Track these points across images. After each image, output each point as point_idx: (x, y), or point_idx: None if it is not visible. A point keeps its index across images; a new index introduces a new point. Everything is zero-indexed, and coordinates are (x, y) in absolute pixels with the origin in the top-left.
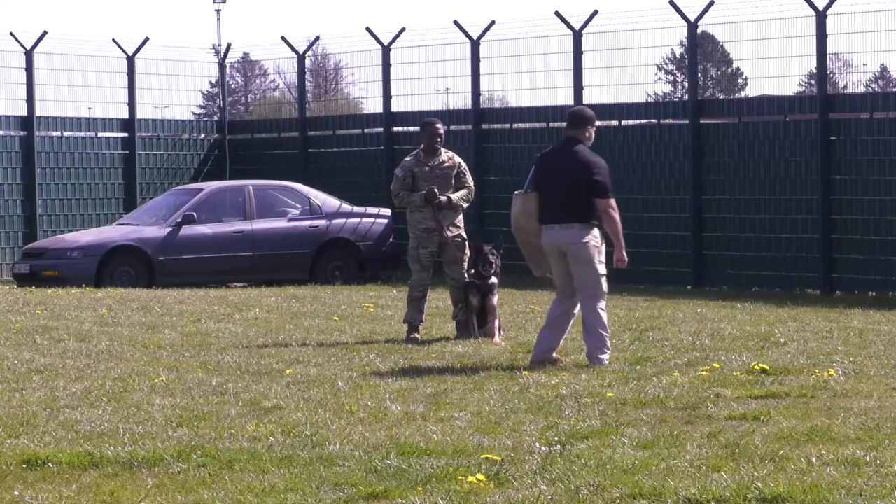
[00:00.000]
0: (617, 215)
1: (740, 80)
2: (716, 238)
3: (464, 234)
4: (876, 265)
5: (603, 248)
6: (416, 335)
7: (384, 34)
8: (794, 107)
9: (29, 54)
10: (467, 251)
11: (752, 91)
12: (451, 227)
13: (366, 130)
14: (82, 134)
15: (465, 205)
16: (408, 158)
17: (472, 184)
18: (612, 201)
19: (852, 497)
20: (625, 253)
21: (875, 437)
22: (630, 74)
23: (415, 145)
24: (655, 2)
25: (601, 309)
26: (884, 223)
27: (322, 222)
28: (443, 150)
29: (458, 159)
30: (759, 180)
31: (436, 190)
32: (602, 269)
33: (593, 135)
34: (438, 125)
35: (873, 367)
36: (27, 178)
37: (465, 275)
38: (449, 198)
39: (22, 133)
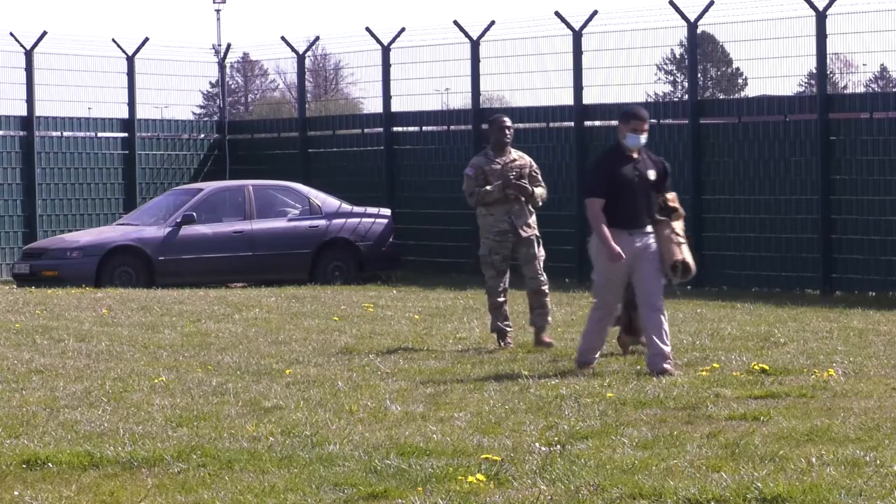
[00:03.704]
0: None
1: (740, 80)
2: (716, 238)
3: (538, 234)
4: (876, 265)
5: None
6: (509, 341)
7: (384, 34)
8: (794, 107)
9: (29, 54)
10: (542, 251)
11: (752, 91)
12: (524, 228)
13: (366, 130)
14: (82, 134)
15: (541, 203)
16: (476, 157)
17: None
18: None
19: (852, 497)
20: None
21: (875, 437)
22: (630, 74)
23: (414, 145)
24: (655, 2)
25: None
26: (884, 223)
27: (322, 222)
28: (512, 149)
29: (528, 159)
30: (759, 180)
31: (512, 176)
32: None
33: (623, 131)
34: (506, 119)
35: (873, 367)
36: (27, 178)
37: (543, 274)
38: (533, 189)
39: (22, 133)
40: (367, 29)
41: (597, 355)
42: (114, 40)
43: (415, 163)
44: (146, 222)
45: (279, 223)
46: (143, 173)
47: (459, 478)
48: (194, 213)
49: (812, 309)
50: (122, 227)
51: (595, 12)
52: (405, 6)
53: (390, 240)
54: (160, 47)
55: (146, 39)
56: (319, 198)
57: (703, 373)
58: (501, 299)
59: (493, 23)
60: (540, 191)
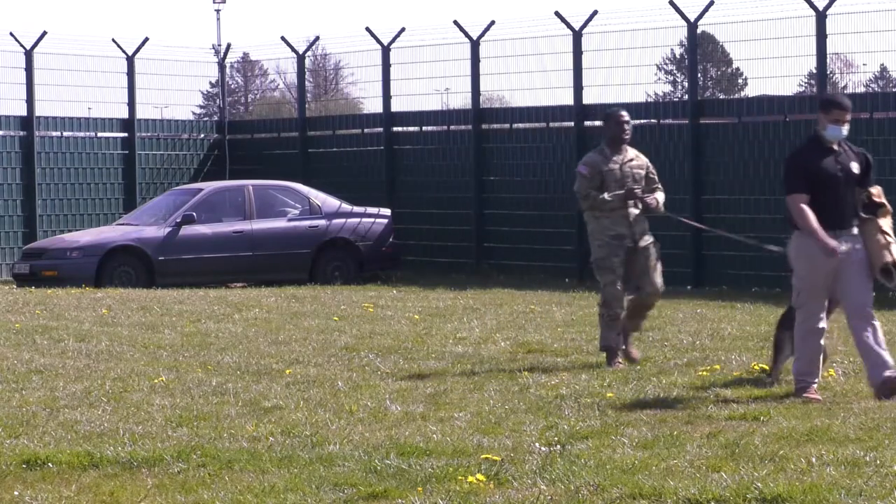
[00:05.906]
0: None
1: (740, 80)
2: (716, 238)
3: (655, 240)
4: None
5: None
6: (619, 361)
7: (384, 34)
8: (794, 107)
9: (29, 54)
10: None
11: (752, 91)
12: (643, 236)
13: (366, 130)
14: (82, 134)
15: (664, 209)
16: (591, 154)
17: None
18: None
19: (852, 497)
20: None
21: (875, 437)
22: (630, 74)
23: (414, 145)
24: (655, 2)
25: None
26: None
27: (322, 222)
28: (628, 147)
29: (645, 159)
30: (759, 180)
31: (636, 189)
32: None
33: (823, 121)
34: (624, 113)
35: None
36: (27, 178)
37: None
38: (656, 199)
39: (22, 133)
40: (367, 29)
41: (815, 379)
42: (114, 40)
43: (415, 163)
44: (146, 222)
45: (279, 223)
46: (143, 173)
47: (459, 478)
48: (194, 213)
49: None
50: (122, 227)
51: (595, 12)
52: (405, 6)
53: (390, 240)
54: (160, 47)
55: (146, 39)
56: (319, 198)
57: (703, 373)
58: (620, 310)
59: (493, 23)
60: (661, 197)
